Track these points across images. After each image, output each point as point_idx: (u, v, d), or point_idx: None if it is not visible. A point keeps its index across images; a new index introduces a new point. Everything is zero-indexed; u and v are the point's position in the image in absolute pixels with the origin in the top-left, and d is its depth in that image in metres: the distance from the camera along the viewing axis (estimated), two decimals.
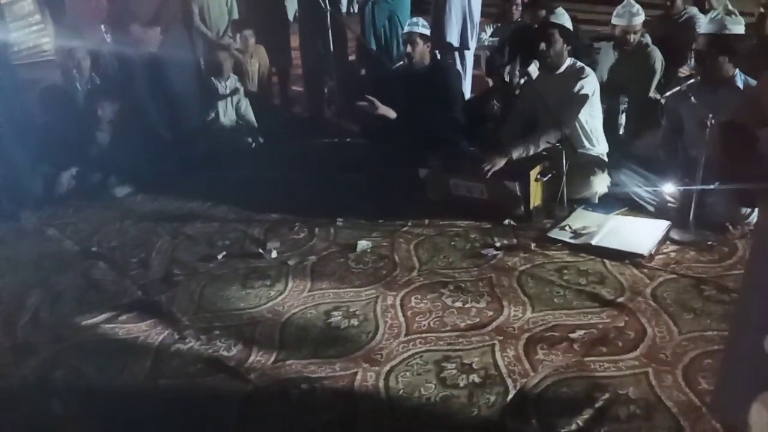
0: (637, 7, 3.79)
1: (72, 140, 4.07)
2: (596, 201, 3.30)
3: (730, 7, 2.91)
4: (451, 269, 2.87)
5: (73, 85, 4.30)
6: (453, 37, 4.91)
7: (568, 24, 3.31)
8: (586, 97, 3.25)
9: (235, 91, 4.49)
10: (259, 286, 2.85)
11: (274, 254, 3.11)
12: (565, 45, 3.28)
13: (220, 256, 3.13)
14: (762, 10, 3.74)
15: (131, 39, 3.80)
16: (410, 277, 2.82)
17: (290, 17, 6.39)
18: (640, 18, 3.78)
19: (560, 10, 3.34)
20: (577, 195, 3.30)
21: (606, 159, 3.41)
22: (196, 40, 4.62)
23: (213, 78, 4.42)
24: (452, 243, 3.10)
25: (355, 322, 2.51)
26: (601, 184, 3.30)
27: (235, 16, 5.08)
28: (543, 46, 3.22)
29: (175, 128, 4.11)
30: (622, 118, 3.64)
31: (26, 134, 3.91)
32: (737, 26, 2.80)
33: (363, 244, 3.12)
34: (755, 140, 0.99)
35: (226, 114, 4.52)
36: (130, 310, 2.73)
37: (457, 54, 5.00)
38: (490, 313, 2.50)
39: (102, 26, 4.38)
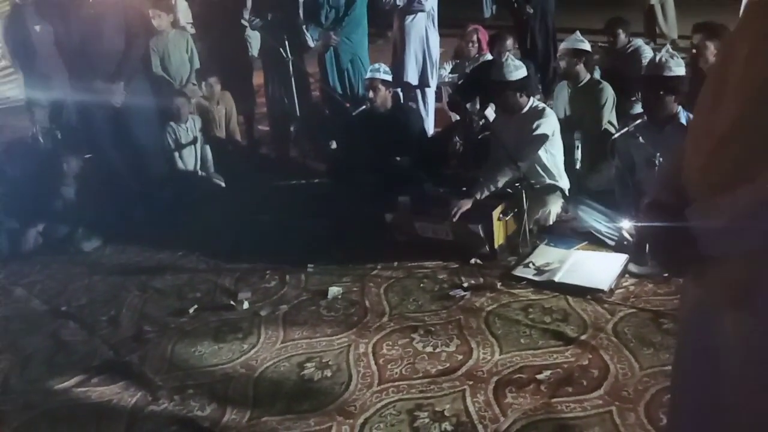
0: (582, 38, 4.01)
1: (37, 195, 4.05)
2: (551, 222, 3.42)
3: (671, 50, 3.09)
4: (421, 312, 2.93)
5: (36, 140, 4.29)
6: (414, 76, 5.04)
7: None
8: (544, 137, 3.39)
9: (195, 139, 4.52)
10: (231, 339, 2.86)
11: (245, 305, 3.13)
12: (524, 94, 3.44)
13: (191, 310, 3.14)
14: (694, 51, 4.00)
15: (95, 94, 3.81)
16: (381, 323, 2.87)
17: (254, 53, 6.48)
18: (584, 45, 3.98)
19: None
20: (534, 216, 3.41)
21: (566, 192, 3.54)
22: (158, 89, 4.65)
23: (172, 123, 4.45)
24: (421, 285, 3.17)
25: (328, 373, 2.55)
26: (555, 203, 3.43)
27: (197, 65, 5.14)
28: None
29: (141, 177, 4.12)
30: (578, 153, 3.79)
31: None
32: (679, 68, 2.97)
33: (334, 290, 3.16)
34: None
35: (190, 159, 4.56)
36: (101, 372, 2.72)
37: (418, 91, 5.14)
38: (460, 357, 2.56)
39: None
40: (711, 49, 3.67)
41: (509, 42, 5.01)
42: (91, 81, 3.79)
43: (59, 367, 2.78)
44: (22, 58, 5.19)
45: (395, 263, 3.39)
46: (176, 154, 4.46)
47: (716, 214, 1.01)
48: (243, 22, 5.51)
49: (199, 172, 4.59)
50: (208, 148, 4.64)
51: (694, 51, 3.97)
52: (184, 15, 6.17)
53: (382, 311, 2.97)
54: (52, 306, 3.33)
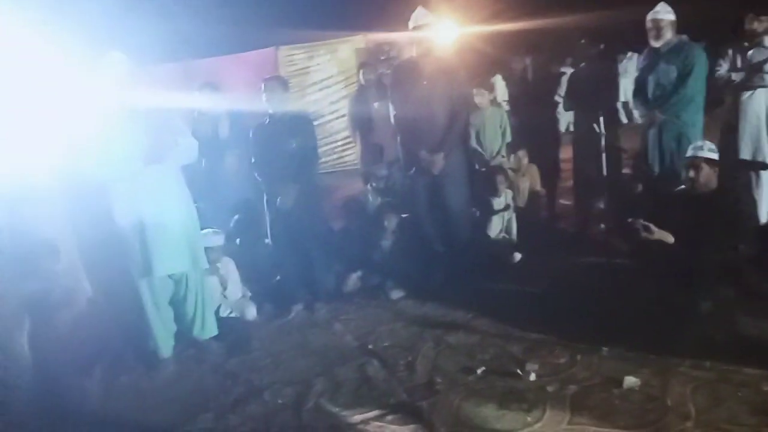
0: None
1: (361, 245, 4.69)
2: None
3: None
4: (737, 425, 2.50)
5: (366, 199, 4.99)
6: (746, 154, 4.51)
7: None
8: None
9: (506, 208, 4.72)
10: (515, 408, 2.84)
11: (533, 377, 3.09)
12: None
13: (479, 371, 3.21)
14: None
15: (420, 162, 4.29)
16: (684, 427, 2.54)
17: (562, 129, 6.57)
18: None
19: None
20: None
21: None
22: (472, 160, 5.03)
23: (488, 196, 4.73)
24: (738, 393, 2.72)
25: None
26: None
27: (508, 139, 5.43)
28: None
29: (446, 241, 4.45)
30: None
31: (324, 235, 4.61)
32: None
33: (631, 380, 2.91)
34: None
35: (495, 228, 4.76)
36: (395, 411, 2.95)
37: (752, 174, 4.56)
38: None
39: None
40: None
41: None
42: (418, 151, 4.28)
43: (362, 399, 3.10)
44: (361, 131, 6.14)
45: (707, 363, 2.98)
46: (486, 221, 4.72)
47: None
48: (557, 98, 5.67)
49: (501, 241, 4.76)
50: (514, 218, 4.80)
51: None
52: (501, 93, 6.61)
53: (686, 414, 2.63)
54: (362, 343, 3.75)
